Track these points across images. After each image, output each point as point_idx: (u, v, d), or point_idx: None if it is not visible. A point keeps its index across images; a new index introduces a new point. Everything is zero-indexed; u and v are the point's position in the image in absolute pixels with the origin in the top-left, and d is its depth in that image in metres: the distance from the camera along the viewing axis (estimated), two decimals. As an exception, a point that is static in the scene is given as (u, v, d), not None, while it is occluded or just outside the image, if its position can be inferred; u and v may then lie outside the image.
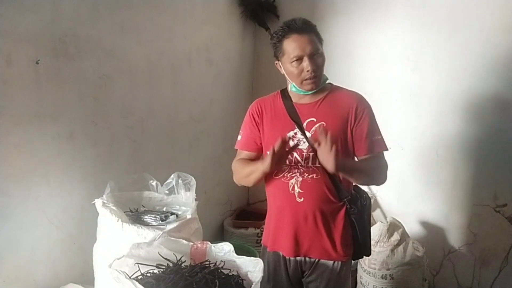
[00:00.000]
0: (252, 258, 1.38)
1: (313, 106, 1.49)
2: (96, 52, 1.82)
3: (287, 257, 1.57)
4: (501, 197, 2.37)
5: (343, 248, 1.52)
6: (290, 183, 1.49)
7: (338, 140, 1.43)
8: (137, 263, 1.31)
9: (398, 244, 2.25)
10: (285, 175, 1.50)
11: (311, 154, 1.45)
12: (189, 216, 1.64)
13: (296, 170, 1.48)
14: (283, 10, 2.95)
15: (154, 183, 1.86)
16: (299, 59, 1.40)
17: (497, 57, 2.29)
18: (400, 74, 2.60)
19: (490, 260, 2.44)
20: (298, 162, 1.48)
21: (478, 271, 2.48)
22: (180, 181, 1.79)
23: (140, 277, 1.29)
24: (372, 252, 2.24)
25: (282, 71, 1.52)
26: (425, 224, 2.61)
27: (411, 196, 2.64)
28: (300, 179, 1.47)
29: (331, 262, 1.52)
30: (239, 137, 1.64)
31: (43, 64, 1.59)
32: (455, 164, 2.49)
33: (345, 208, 1.52)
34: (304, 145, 1.46)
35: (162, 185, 1.85)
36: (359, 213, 1.51)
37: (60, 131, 1.70)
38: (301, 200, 1.48)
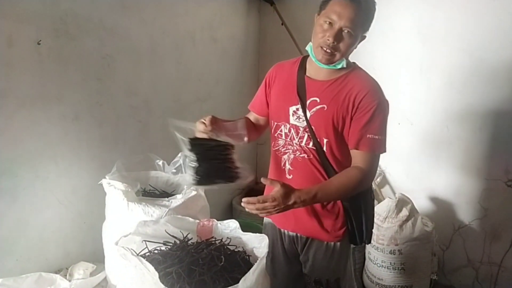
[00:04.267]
0: (257, 234, 1.38)
1: (322, 85, 1.41)
2: (97, 32, 1.80)
3: (282, 230, 1.58)
4: (513, 171, 2.33)
5: (332, 229, 1.47)
6: (283, 158, 1.48)
7: (336, 125, 1.37)
8: (144, 241, 1.33)
9: (406, 220, 2.24)
10: (280, 149, 1.49)
11: (306, 134, 1.41)
12: (194, 192, 1.64)
13: (290, 147, 1.46)
14: (288, -16, 2.87)
15: (160, 163, 1.87)
16: (331, 24, 1.31)
17: (511, 26, 2.20)
18: (410, 48, 2.52)
19: (500, 234, 2.42)
20: (293, 139, 1.45)
21: (489, 246, 2.46)
22: (187, 160, 1.79)
23: (147, 254, 1.31)
24: (380, 228, 2.26)
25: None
26: (434, 200, 2.59)
27: (421, 171, 2.60)
28: (292, 156, 1.45)
29: (324, 242, 1.49)
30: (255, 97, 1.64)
31: (45, 45, 1.59)
32: (465, 139, 2.44)
33: None
34: (302, 123, 1.42)
35: (169, 164, 1.86)
36: (351, 199, 1.44)
37: (65, 112, 1.71)
38: (290, 177, 1.46)
